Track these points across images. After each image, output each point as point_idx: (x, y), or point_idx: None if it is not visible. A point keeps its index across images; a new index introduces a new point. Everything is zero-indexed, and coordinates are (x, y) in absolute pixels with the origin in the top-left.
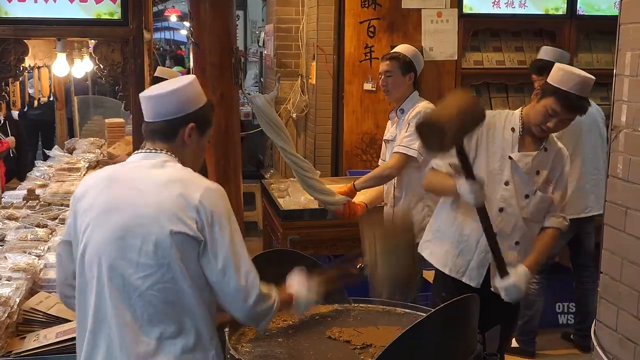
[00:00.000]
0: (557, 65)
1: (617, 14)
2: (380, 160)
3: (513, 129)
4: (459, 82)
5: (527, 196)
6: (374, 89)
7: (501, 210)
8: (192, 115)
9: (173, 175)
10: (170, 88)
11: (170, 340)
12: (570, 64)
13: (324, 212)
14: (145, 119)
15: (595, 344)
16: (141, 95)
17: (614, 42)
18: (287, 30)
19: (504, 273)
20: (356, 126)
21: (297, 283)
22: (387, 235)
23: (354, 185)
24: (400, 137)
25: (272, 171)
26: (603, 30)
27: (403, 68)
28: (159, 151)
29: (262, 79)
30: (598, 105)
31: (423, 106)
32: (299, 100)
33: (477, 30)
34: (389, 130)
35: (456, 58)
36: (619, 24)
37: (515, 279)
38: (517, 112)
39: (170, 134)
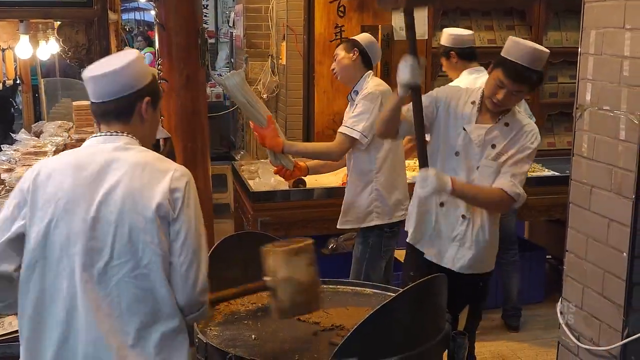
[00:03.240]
0: (510, 37)
1: None
2: None
3: (473, 102)
4: (430, 61)
5: (478, 167)
6: None
7: None
8: (147, 89)
9: (140, 159)
10: (122, 63)
11: (149, 328)
12: (540, 42)
13: (295, 193)
14: (96, 100)
15: (561, 321)
16: (89, 75)
17: None
18: (256, 10)
19: (424, 165)
20: (327, 106)
21: None
22: (288, 262)
23: (283, 143)
24: (346, 117)
25: (242, 152)
26: (573, 8)
27: (347, 48)
28: (118, 133)
29: (232, 60)
30: (567, 83)
31: (373, 86)
32: (269, 81)
33: (447, 9)
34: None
35: (427, 37)
36: (583, 2)
37: (433, 174)
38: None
39: (127, 111)
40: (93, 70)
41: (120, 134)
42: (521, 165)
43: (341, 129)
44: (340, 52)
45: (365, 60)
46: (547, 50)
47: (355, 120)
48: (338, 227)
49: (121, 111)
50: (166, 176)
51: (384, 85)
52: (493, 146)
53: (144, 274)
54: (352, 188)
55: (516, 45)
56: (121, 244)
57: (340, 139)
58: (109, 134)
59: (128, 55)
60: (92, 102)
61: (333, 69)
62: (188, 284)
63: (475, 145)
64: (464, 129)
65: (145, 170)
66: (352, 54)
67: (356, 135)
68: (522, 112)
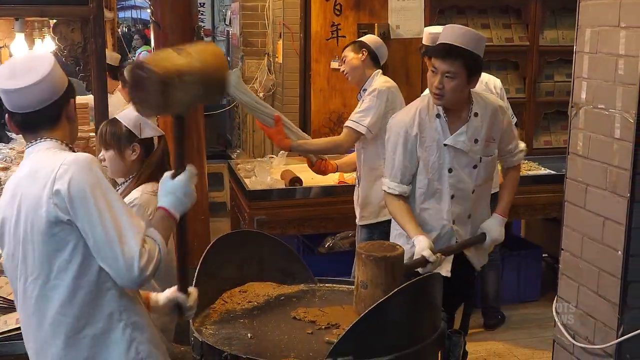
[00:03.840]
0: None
1: None
2: None
3: (438, 115)
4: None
5: (475, 167)
6: None
7: (452, 197)
8: (69, 91)
9: (33, 166)
10: (46, 69)
11: (76, 335)
12: (536, 40)
13: (291, 192)
14: (21, 110)
15: (556, 320)
16: (9, 88)
17: None
18: (253, 9)
19: (481, 241)
20: (324, 105)
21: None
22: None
23: (290, 143)
24: (353, 112)
25: (239, 151)
26: (569, 6)
27: (355, 49)
28: (40, 140)
29: (229, 58)
30: (563, 82)
31: (379, 83)
32: (265, 80)
33: (444, 7)
34: None
35: (423, 36)
36: (578, 0)
37: (493, 235)
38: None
39: (55, 117)
40: (15, 81)
41: (42, 140)
42: (514, 134)
43: (348, 123)
44: (349, 54)
45: (373, 60)
46: (482, 35)
47: (362, 115)
48: (357, 222)
49: (49, 118)
50: (49, 178)
51: (391, 82)
52: (476, 141)
53: (55, 285)
54: (365, 184)
55: (446, 28)
56: (34, 259)
57: (347, 133)
58: (34, 142)
59: (48, 58)
60: (10, 112)
61: (343, 71)
62: (122, 274)
63: (464, 152)
64: (445, 144)
65: (35, 178)
66: (360, 55)
67: (362, 130)
68: (480, 92)
